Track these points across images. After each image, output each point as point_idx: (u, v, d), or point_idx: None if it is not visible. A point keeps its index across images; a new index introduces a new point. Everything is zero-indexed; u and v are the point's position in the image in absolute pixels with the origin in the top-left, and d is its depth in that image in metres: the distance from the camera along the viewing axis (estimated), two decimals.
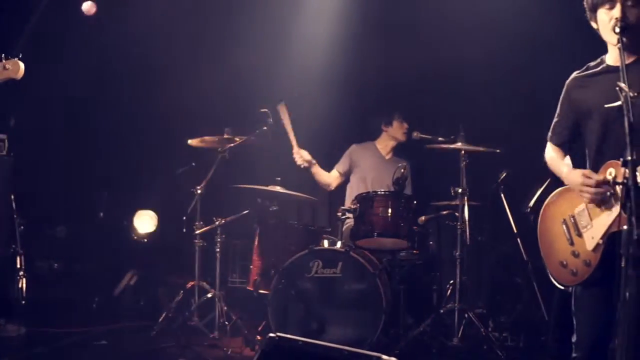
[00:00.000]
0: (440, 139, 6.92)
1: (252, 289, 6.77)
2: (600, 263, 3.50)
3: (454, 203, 6.69)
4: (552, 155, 4.00)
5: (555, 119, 3.98)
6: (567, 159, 3.94)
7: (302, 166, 7.31)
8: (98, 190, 8.44)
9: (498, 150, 6.69)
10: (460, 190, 6.56)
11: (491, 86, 7.68)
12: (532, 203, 6.47)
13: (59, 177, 8.21)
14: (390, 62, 8.25)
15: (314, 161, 7.39)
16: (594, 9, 3.60)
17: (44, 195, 8.07)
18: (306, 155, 7.32)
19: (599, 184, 3.47)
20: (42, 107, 7.99)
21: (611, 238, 3.43)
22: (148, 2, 7.77)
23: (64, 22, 7.84)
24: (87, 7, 7.81)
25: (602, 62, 3.73)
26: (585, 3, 3.69)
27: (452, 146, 6.72)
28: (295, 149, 7.27)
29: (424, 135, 7.05)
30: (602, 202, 3.52)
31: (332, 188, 7.69)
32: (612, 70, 3.62)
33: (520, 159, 6.86)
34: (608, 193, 3.47)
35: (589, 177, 3.51)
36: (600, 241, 3.50)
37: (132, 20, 7.79)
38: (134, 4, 7.76)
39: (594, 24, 3.67)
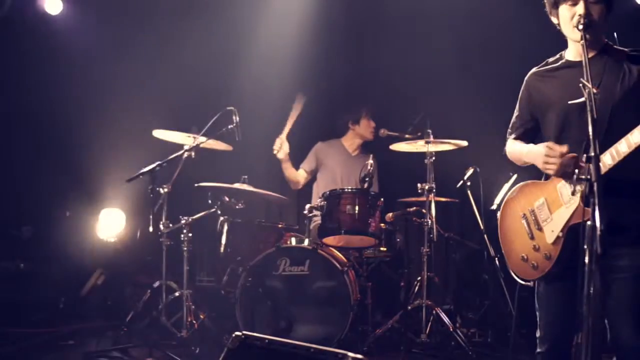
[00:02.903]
0: (407, 136, 6.94)
1: (219, 287, 6.75)
2: (560, 256, 3.52)
3: (421, 200, 6.72)
4: (512, 145, 3.97)
5: (514, 115, 3.98)
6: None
7: (275, 153, 7.32)
8: (64, 190, 8.36)
9: (465, 143, 6.71)
10: (427, 187, 6.59)
11: (458, 83, 7.71)
12: (499, 200, 6.51)
13: (24, 176, 8.13)
14: (357, 60, 8.27)
15: (288, 157, 7.41)
16: (556, 5, 3.59)
17: (9, 195, 7.98)
18: (286, 147, 7.33)
19: (563, 155, 3.45)
20: (4, 107, 7.89)
21: (571, 231, 3.46)
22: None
23: (26, 20, 7.78)
24: (51, 7, 7.75)
25: (562, 57, 3.74)
26: None
27: (416, 149, 6.79)
28: (283, 136, 7.30)
29: (391, 133, 7.07)
30: (561, 194, 3.54)
31: (300, 187, 7.72)
32: (571, 65, 3.65)
33: (486, 156, 6.89)
34: (569, 186, 3.49)
35: (552, 149, 3.47)
36: (561, 234, 3.51)
37: (96, 15, 7.73)
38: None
39: (554, 19, 3.67)
